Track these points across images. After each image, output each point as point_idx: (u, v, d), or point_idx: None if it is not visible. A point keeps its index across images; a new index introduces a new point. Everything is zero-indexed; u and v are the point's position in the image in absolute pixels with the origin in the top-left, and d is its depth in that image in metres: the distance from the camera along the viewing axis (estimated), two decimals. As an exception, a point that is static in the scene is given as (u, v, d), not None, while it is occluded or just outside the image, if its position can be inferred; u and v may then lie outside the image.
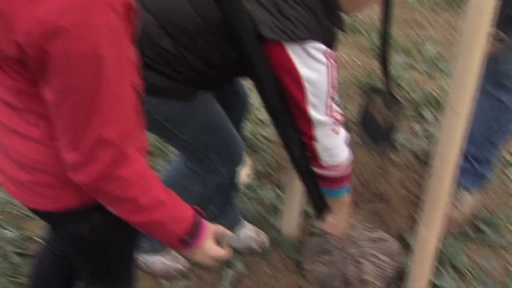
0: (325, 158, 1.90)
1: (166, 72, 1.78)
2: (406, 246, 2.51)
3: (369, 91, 2.73)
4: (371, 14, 4.23)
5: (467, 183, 2.69)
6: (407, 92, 3.80)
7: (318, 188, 2.07)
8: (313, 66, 1.72)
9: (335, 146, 1.89)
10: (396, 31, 4.16)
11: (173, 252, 2.41)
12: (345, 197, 2.11)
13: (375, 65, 3.23)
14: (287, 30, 1.67)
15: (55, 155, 1.24)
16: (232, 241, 1.55)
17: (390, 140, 3.04)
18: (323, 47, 1.72)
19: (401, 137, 3.32)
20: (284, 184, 2.47)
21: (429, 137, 3.36)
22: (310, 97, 1.75)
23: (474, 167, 2.65)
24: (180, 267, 2.40)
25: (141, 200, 1.25)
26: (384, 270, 2.34)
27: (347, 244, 2.34)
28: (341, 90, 3.82)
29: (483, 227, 2.65)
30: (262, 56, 1.73)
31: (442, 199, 2.03)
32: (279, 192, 2.78)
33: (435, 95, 3.76)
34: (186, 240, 1.37)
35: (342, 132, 1.91)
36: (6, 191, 1.41)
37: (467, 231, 2.65)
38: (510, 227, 2.69)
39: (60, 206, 1.35)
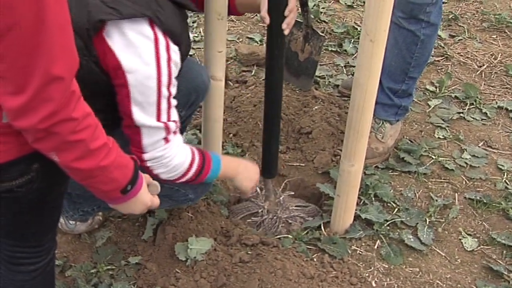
0: (163, 174, 1.63)
1: None
2: (330, 181, 2.50)
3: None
4: None
5: (387, 115, 2.68)
6: (328, 25, 3.74)
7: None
8: (137, 52, 1.40)
9: (170, 157, 1.60)
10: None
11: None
12: (221, 170, 1.86)
13: None
14: (107, 9, 1.39)
15: None
16: (159, 189, 1.53)
17: (312, 75, 3.00)
18: (149, 30, 1.41)
19: (322, 71, 3.28)
20: (204, 127, 2.38)
21: (351, 69, 3.34)
22: (134, 92, 1.43)
23: (392, 100, 2.64)
24: (100, 218, 2.32)
25: (90, 143, 1.20)
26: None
27: (279, 209, 2.36)
28: (260, 25, 3.72)
29: (405, 156, 2.67)
30: None
31: (363, 129, 2.00)
32: (199, 135, 2.69)
33: (356, 27, 3.72)
34: (127, 189, 1.35)
35: (176, 138, 1.61)
36: None
37: (391, 161, 2.66)
38: (431, 155, 2.71)
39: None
